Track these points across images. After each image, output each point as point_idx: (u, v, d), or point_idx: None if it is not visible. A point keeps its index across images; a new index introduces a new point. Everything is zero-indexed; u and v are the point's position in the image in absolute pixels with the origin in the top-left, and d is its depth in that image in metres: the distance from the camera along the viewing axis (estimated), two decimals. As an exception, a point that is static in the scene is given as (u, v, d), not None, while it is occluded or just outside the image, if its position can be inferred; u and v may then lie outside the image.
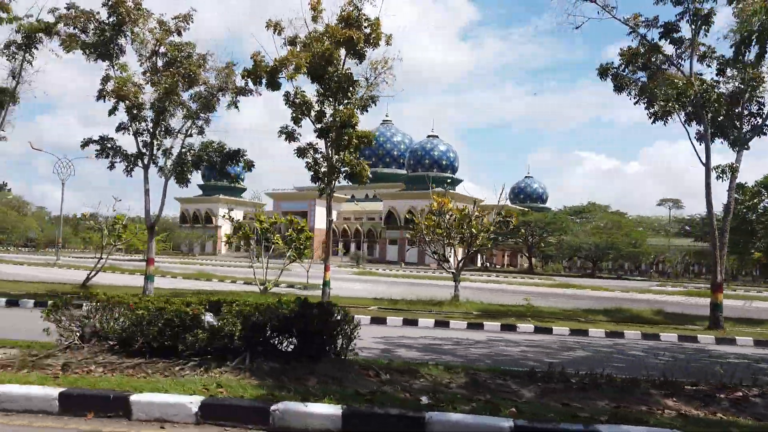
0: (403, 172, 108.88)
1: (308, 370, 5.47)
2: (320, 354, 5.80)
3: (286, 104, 16.48)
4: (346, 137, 14.37)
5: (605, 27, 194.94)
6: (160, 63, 16.33)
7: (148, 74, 16.14)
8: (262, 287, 19.75)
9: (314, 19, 14.83)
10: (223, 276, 30.88)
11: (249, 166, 17.69)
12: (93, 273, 20.49)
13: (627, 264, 80.00)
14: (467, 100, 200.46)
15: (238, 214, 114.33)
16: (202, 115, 16.29)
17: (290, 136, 15.96)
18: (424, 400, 4.68)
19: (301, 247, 20.42)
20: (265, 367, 5.47)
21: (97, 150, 16.70)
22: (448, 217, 18.77)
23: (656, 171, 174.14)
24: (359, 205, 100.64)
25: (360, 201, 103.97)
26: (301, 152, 15.89)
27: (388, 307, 16.30)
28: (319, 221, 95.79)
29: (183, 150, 16.54)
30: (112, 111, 16.20)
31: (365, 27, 14.89)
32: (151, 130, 16.28)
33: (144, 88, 16.13)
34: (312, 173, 16.04)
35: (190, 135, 16.47)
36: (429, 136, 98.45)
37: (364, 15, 14.80)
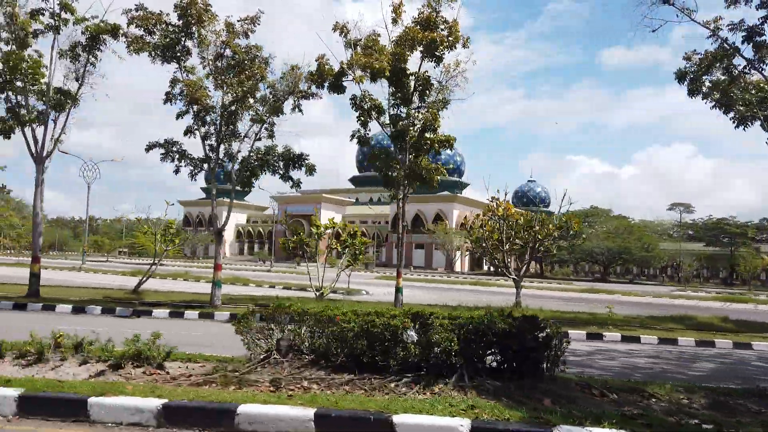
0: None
1: (533, 389, 5.20)
2: (533, 371, 5.54)
3: (353, 108, 16.27)
4: (428, 141, 14.12)
5: (599, 31, 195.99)
6: (218, 65, 16.09)
7: (211, 77, 15.86)
8: (318, 293, 19.44)
9: (394, 21, 14.61)
10: (260, 281, 30.45)
11: (311, 169, 17.41)
12: (145, 278, 20.12)
13: (635, 268, 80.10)
14: (461, 105, 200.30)
15: (241, 218, 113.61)
16: (271, 118, 16.00)
17: (363, 140, 15.72)
18: (708, 427, 4.40)
19: (357, 252, 20.11)
20: (489, 385, 5.20)
21: (161, 154, 16.41)
22: (508, 222, 18.48)
23: (650, 175, 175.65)
24: (364, 209, 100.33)
25: (364, 204, 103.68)
26: (373, 157, 15.63)
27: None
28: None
29: (250, 154, 16.24)
30: (181, 114, 15.94)
31: (442, 29, 14.69)
32: (220, 133, 15.98)
33: (209, 91, 15.87)
34: (383, 178, 15.77)
35: (259, 138, 16.18)
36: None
37: (443, 17, 14.61)
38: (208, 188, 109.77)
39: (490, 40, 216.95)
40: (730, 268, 66.76)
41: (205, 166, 16.30)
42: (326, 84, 16.07)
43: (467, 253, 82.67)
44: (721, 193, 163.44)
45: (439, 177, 15.89)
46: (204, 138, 15.98)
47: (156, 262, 21.11)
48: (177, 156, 16.22)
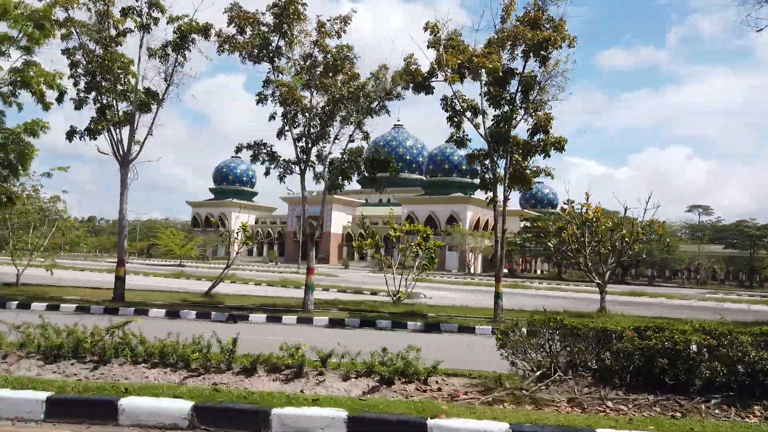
0: (417, 176, 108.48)
1: None
2: None
3: (444, 108, 16.00)
4: (542, 143, 13.85)
5: (596, 33, 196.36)
6: (305, 65, 15.81)
7: (299, 77, 15.56)
8: (395, 297, 19.18)
9: (503, 20, 14.35)
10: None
11: (396, 172, 17.14)
12: (217, 281, 19.78)
13: (649, 270, 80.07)
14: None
15: (249, 219, 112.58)
16: (365, 119, 15.70)
17: (460, 142, 15.46)
18: None
19: (433, 255, 19.82)
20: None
21: (251, 156, 16.12)
22: (595, 226, 18.22)
23: (646, 177, 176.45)
24: (376, 209, 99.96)
25: (375, 206, 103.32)
26: (471, 158, 15.37)
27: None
28: (336, 226, 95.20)
29: (343, 156, 15.93)
30: (273, 116, 15.65)
31: (546, 28, 14.43)
32: (310, 135, 15.68)
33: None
34: (480, 181, 15.48)
35: (353, 140, 15.88)
36: (447, 141, 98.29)
37: (550, 16, 14.35)
38: (216, 189, 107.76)
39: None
40: (749, 270, 66.84)
41: (296, 168, 15.95)
42: (411, 85, 15.81)
43: (480, 254, 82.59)
44: (716, 195, 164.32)
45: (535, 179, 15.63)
46: (297, 140, 15.68)
47: (229, 265, 20.79)
48: (267, 158, 15.90)
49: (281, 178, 16.08)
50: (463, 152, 15.89)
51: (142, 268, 42.92)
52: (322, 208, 17.07)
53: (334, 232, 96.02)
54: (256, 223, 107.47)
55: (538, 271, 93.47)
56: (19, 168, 17.75)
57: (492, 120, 14.83)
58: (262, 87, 15.59)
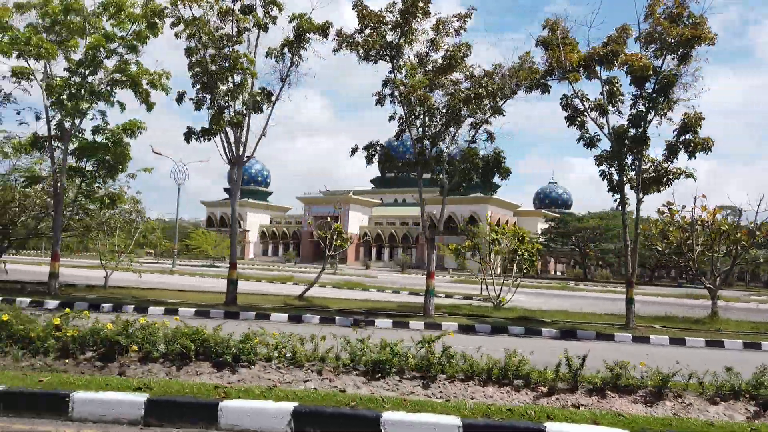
0: (430, 177, 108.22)
1: None
2: None
3: (563, 108, 15.67)
4: (692, 144, 13.47)
5: (594, 34, 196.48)
6: (421, 63, 15.47)
7: (424, 76, 15.20)
8: (497, 302, 18.82)
9: (647, 17, 14.00)
10: (373, 285, 29.49)
11: (507, 173, 16.79)
12: (311, 285, 19.40)
13: (673, 271, 79.58)
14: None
15: (264, 219, 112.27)
16: (489, 119, 15.34)
17: (591, 143, 15.11)
18: None
19: (532, 258, 19.42)
20: None
21: (366, 156, 15.77)
22: (710, 228, 17.82)
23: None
24: (392, 210, 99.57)
25: (390, 206, 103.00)
26: (599, 160, 15.02)
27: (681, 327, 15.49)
28: (353, 226, 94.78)
29: (464, 156, 15.57)
30: (393, 117, 15.31)
31: (686, 24, 14.08)
32: (431, 136, 15.33)
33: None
34: (608, 182, 15.13)
35: (474, 141, 15.51)
36: (466, 141, 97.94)
37: (692, 12, 14.00)
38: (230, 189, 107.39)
39: (489, 42, 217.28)
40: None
41: (414, 169, 15.57)
42: (525, 84, 15.45)
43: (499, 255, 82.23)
44: (716, 195, 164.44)
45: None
46: (417, 140, 15.32)
47: (323, 269, 20.37)
48: (383, 158, 15.54)
49: (395, 177, 15.66)
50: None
51: (188, 268, 42.27)
52: (442, 209, 16.62)
53: (351, 233, 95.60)
54: (270, 223, 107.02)
55: (558, 273, 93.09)
56: (119, 168, 17.42)
57: (627, 120, 14.46)
58: (382, 87, 15.24)
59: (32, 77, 16.48)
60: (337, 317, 14.34)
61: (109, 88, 16.56)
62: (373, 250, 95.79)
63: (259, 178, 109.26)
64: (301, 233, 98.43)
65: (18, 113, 17.32)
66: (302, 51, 15.46)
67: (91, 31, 16.17)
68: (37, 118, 17.37)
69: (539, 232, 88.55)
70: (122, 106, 17.10)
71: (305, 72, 15.90)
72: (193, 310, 14.68)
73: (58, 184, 16.40)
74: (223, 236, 59.12)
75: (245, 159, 15.76)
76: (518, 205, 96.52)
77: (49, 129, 16.73)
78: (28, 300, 15.09)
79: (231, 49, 14.70)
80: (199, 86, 15.43)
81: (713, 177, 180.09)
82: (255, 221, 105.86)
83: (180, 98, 15.56)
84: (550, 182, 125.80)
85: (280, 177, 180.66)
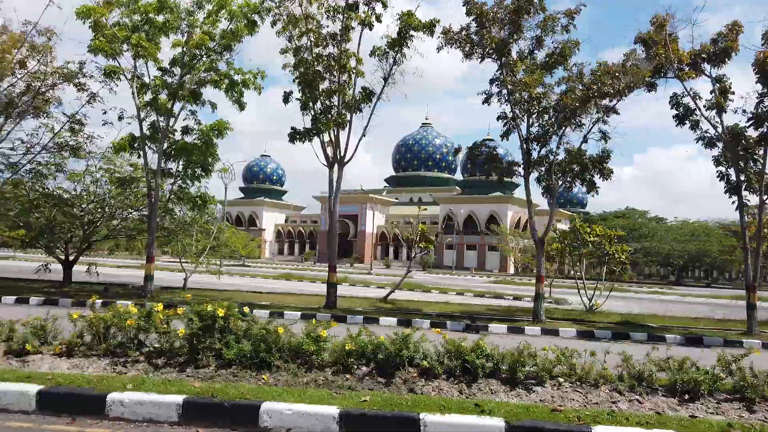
0: (447, 175, 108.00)
1: None
2: None
3: (672, 106, 15.41)
4: None
5: (601, 33, 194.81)
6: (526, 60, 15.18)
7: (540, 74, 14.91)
8: (589, 305, 18.51)
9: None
10: (434, 287, 29.18)
11: (609, 174, 16.48)
12: (396, 287, 19.15)
13: (701, 272, 78.94)
14: (460, 106, 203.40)
15: (279, 218, 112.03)
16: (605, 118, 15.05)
17: (710, 143, 14.80)
18: None
19: (625, 261, 19.08)
20: None
21: (478, 155, 15.51)
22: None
23: (650, 176, 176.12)
24: (411, 209, 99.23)
25: (405, 205, 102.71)
26: (718, 161, 14.72)
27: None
28: (370, 225, 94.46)
29: (573, 155, 15.28)
30: (502, 117, 15.03)
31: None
32: (540, 136, 15.06)
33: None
34: (725, 185, 14.81)
35: (585, 141, 15.24)
36: (485, 140, 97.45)
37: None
38: (247, 188, 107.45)
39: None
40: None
41: (518, 169, 15.31)
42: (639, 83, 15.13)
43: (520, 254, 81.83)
44: (722, 196, 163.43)
45: None
46: (526, 140, 15.04)
47: (409, 269, 20.13)
48: (488, 158, 15.29)
49: (500, 181, 15.43)
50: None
51: (229, 269, 41.76)
52: (551, 216, 16.22)
53: (368, 232, 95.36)
54: (286, 221, 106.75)
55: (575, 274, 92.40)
56: (209, 169, 17.20)
57: (749, 118, 14.15)
58: (489, 85, 14.98)
59: (122, 77, 16.30)
60: (448, 322, 14.08)
61: (197, 87, 16.35)
62: (390, 249, 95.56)
63: (275, 177, 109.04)
64: (318, 232, 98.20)
65: (105, 113, 17.13)
66: (405, 49, 15.19)
67: (186, 29, 15.96)
68: (120, 118, 17.19)
69: (558, 231, 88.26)
70: (213, 105, 16.88)
71: (412, 71, 15.64)
72: (298, 313, 14.42)
73: (152, 185, 16.19)
74: (253, 236, 58.74)
75: (346, 160, 15.50)
76: (538, 204, 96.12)
77: (141, 129, 16.53)
78: (130, 303, 14.84)
79: (341, 48, 14.44)
80: (301, 86, 15.17)
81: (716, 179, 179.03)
82: (270, 220, 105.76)
83: (286, 98, 15.31)
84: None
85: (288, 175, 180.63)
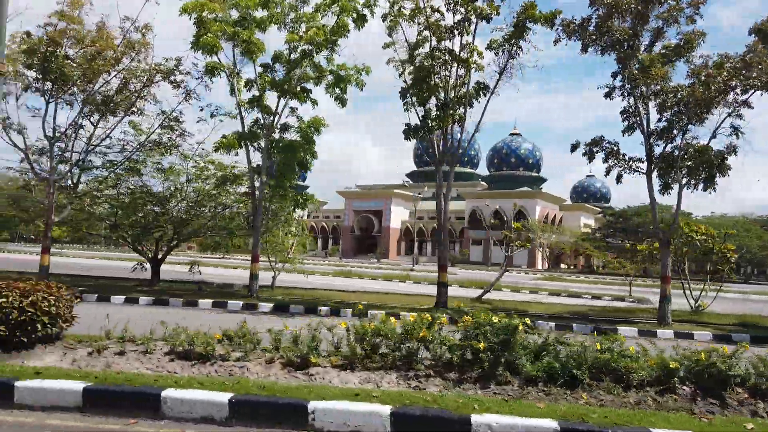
0: (469, 170, 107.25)
1: None
2: None
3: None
4: None
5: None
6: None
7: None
8: (695, 306, 17.94)
9: None
10: (506, 285, 28.61)
11: (728, 170, 15.92)
12: (491, 286, 18.74)
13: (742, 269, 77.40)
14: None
15: (301, 213, 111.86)
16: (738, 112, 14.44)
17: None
18: None
19: (731, 259, 18.39)
20: None
21: (584, 153, 15.03)
22: None
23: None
24: (431, 204, 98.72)
25: (429, 200, 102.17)
26: None
27: None
28: (395, 220, 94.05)
29: (698, 153, 14.75)
30: (627, 111, 14.52)
31: None
32: (665, 130, 14.54)
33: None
34: None
35: (715, 136, 14.69)
36: (512, 134, 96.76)
37: None
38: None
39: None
40: None
41: (641, 166, 14.79)
42: None
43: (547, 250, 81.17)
44: (735, 189, 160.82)
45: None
46: (650, 135, 14.53)
47: (504, 270, 19.71)
48: (609, 155, 14.79)
49: (619, 178, 14.95)
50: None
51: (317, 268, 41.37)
52: (675, 214, 15.64)
53: (393, 227, 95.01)
54: (308, 217, 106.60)
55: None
56: (308, 167, 16.86)
57: None
58: (612, 78, 14.49)
59: (222, 73, 15.99)
60: (574, 325, 13.64)
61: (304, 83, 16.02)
62: (415, 245, 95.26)
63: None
64: (341, 228, 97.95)
65: (202, 110, 16.86)
66: (521, 42, 14.71)
67: (290, 24, 15.60)
68: (212, 115, 16.91)
69: (582, 226, 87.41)
70: (314, 102, 16.52)
71: (533, 64, 15.16)
72: (408, 314, 13.97)
73: (257, 184, 15.89)
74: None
75: (459, 156, 15.08)
76: (564, 199, 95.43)
77: (242, 126, 16.24)
78: (241, 303, 14.57)
79: (462, 41, 14.02)
80: (412, 81, 14.75)
81: (734, 172, 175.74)
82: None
83: (404, 94, 14.90)
84: (587, 176, 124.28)
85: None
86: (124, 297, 14.75)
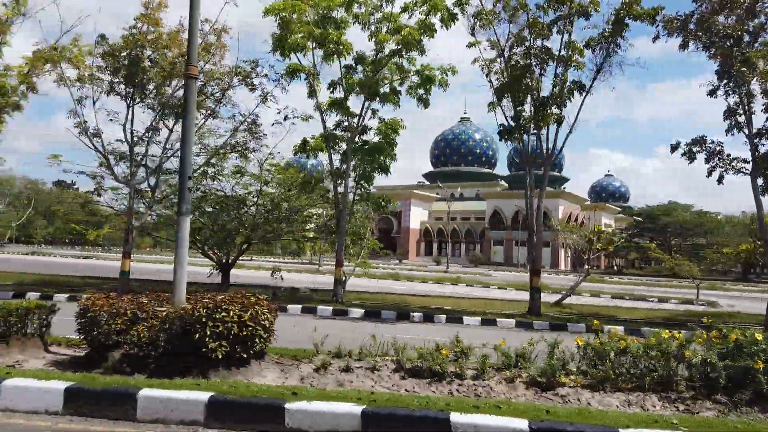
0: (486, 170, 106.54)
1: None
2: None
3: None
4: None
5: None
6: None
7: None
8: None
9: None
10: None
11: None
12: (571, 291, 18.25)
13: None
14: (483, 99, 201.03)
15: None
16: None
17: None
18: None
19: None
20: None
21: (684, 154, 14.54)
22: None
23: (673, 168, 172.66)
24: (455, 205, 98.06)
25: (446, 200, 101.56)
26: None
27: None
28: (414, 221, 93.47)
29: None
30: (732, 112, 14.03)
31: None
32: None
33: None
34: None
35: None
36: (532, 134, 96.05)
37: None
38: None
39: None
40: None
41: (745, 167, 14.28)
42: None
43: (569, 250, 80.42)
44: (743, 189, 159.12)
45: None
46: (757, 136, 14.03)
47: (588, 272, 19.21)
48: (712, 155, 14.30)
49: (720, 179, 14.43)
50: None
51: (293, 266, 41.23)
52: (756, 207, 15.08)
53: (412, 228, 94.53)
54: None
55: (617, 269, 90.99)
56: (388, 169, 16.48)
57: None
58: (717, 79, 14.00)
59: (302, 74, 15.67)
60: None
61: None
62: (434, 246, 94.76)
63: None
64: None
65: (279, 112, 16.57)
66: (619, 39, 14.25)
67: (374, 24, 15.24)
68: (286, 118, 16.59)
69: (604, 225, 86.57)
70: (396, 103, 16.13)
71: (632, 62, 14.75)
72: (510, 321, 13.53)
73: (340, 189, 15.53)
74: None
75: (554, 157, 14.66)
76: (586, 199, 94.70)
77: (324, 128, 15.90)
78: (330, 309, 14.18)
79: (563, 39, 13.58)
80: (506, 81, 14.33)
81: None
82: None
83: (500, 93, 14.50)
84: (606, 175, 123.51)
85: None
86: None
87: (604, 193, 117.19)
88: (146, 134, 16.10)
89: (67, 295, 14.33)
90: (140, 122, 16.11)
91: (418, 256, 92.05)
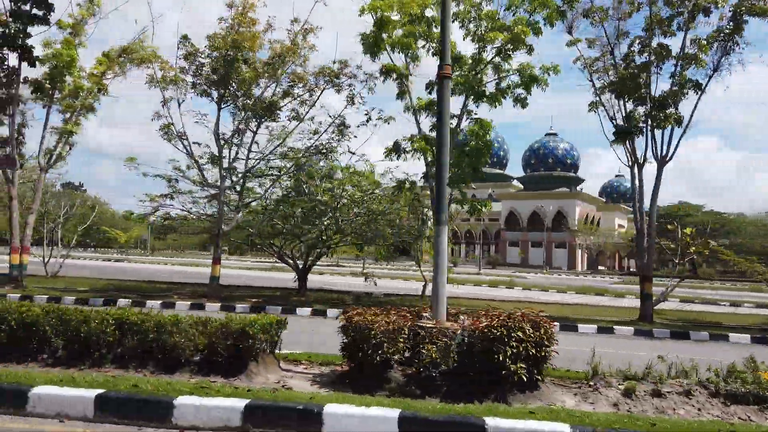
0: (498, 171, 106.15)
1: None
2: None
3: None
4: None
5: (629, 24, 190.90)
6: None
7: None
8: None
9: None
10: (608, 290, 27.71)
11: None
12: (663, 298, 17.63)
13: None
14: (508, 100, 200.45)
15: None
16: None
17: None
18: None
19: None
20: None
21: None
22: None
23: (675, 167, 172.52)
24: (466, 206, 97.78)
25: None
26: None
27: None
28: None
29: None
30: None
31: None
32: None
33: None
34: None
35: None
36: (548, 134, 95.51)
37: None
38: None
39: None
40: None
41: None
42: None
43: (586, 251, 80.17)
44: (747, 186, 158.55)
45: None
46: None
47: (682, 277, 18.67)
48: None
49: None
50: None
51: (339, 270, 40.64)
52: None
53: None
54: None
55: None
56: (480, 171, 16.05)
57: None
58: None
59: (393, 74, 15.23)
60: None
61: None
62: (462, 246, 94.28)
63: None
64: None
65: (367, 113, 16.15)
66: (736, 36, 13.81)
67: (473, 20, 14.80)
68: (369, 119, 16.18)
69: (617, 226, 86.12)
70: (499, 102, 15.65)
71: (751, 60, 14.30)
72: (629, 328, 13.04)
73: (429, 192, 15.05)
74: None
75: (668, 159, 14.22)
76: (601, 200, 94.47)
77: (419, 130, 15.46)
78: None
79: (686, 35, 13.13)
80: (619, 79, 13.89)
81: (743, 169, 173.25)
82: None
83: (620, 92, 14.04)
84: (617, 175, 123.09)
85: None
86: (310, 309, 13.96)
87: (615, 194, 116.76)
88: (236, 137, 15.64)
89: (160, 302, 13.82)
90: (222, 125, 15.59)
91: (429, 257, 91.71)
